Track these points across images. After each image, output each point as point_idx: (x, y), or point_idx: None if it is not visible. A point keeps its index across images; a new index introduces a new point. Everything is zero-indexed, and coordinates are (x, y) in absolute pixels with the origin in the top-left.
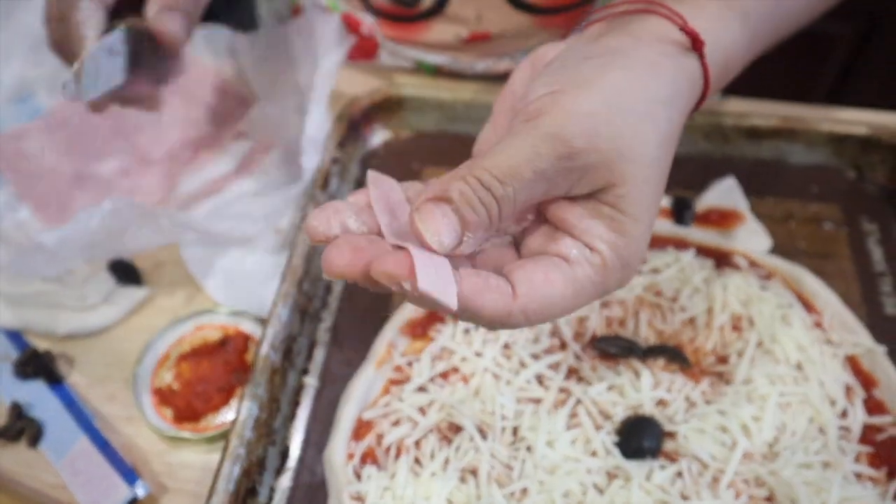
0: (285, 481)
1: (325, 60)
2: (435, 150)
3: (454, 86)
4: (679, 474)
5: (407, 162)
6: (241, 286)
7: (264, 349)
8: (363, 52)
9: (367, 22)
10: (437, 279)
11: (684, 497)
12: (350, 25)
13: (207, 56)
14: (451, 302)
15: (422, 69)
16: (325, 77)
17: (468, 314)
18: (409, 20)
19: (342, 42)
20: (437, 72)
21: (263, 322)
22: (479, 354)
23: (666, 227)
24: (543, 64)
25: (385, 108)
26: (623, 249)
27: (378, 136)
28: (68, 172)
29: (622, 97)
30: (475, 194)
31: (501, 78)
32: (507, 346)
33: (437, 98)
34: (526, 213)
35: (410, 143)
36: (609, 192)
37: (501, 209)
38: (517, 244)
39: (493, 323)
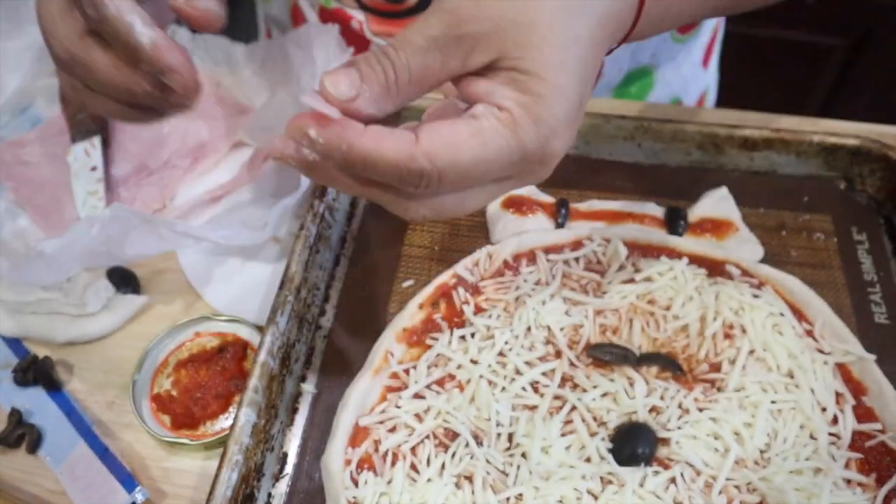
0: (283, 487)
1: (326, 69)
2: None
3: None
4: (672, 480)
5: None
6: (240, 294)
7: (262, 356)
8: (353, 49)
9: (358, 17)
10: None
11: (677, 503)
12: (340, 20)
13: (206, 65)
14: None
15: None
16: None
17: (370, 160)
18: (398, 16)
19: (341, 53)
20: None
21: (262, 329)
22: (474, 362)
23: (659, 236)
24: None
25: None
26: (533, 107)
27: None
28: (68, 181)
29: None
30: (373, 57)
31: None
32: (502, 354)
33: None
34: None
35: None
36: (507, 60)
37: (397, 72)
38: None
39: (398, 172)
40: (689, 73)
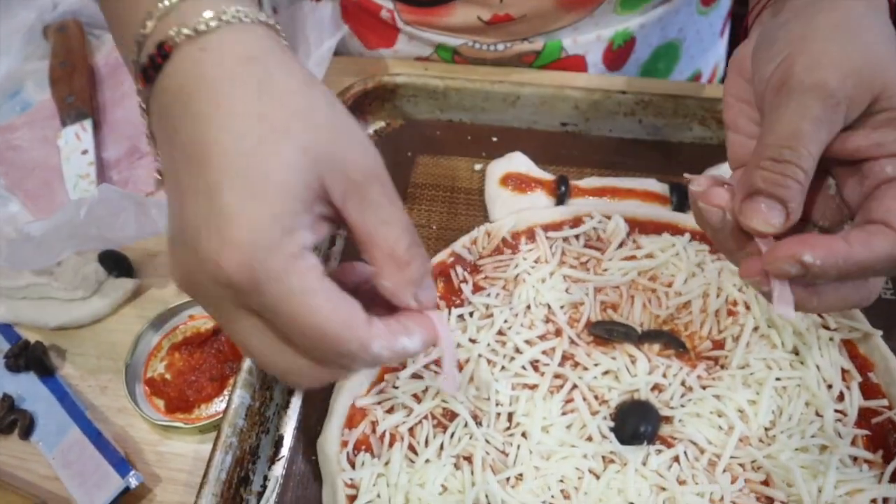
0: (279, 470)
1: (319, 48)
2: (427, 138)
3: (446, 73)
4: (675, 459)
5: (400, 150)
6: None
7: None
8: (382, 38)
9: (388, 6)
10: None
11: (681, 482)
12: (369, 10)
13: None
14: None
15: (439, 55)
16: (317, 65)
17: (864, 266)
18: (431, 4)
19: (336, 30)
20: (454, 57)
21: None
22: (473, 341)
23: (661, 212)
24: (745, 60)
25: (377, 96)
26: None
27: (370, 125)
28: (58, 165)
29: (837, 27)
30: (775, 171)
31: (512, 63)
32: (501, 333)
33: (429, 86)
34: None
35: (403, 131)
36: (878, 102)
37: (804, 169)
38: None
39: (890, 262)
40: (710, 44)
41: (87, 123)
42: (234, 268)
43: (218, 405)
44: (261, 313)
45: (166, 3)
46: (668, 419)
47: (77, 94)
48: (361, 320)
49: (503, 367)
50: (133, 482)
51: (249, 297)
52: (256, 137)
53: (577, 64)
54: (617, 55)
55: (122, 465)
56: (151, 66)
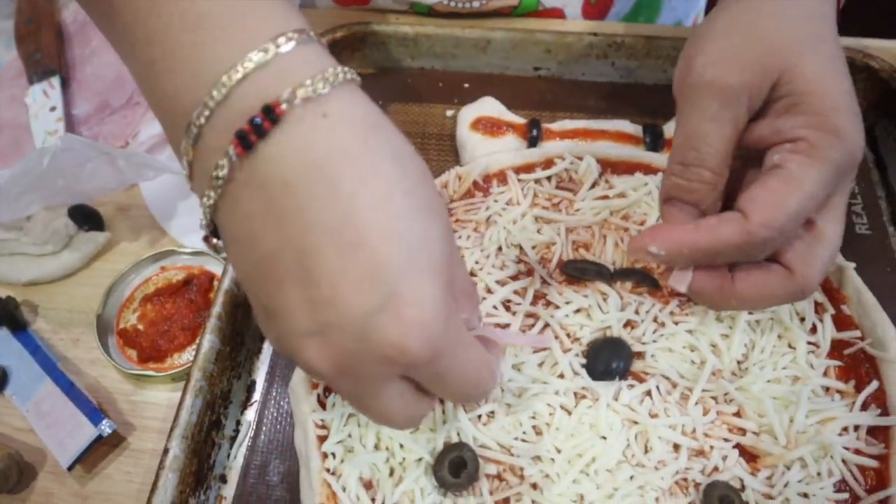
0: (251, 415)
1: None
2: (399, 86)
3: (415, 20)
4: (647, 393)
5: (372, 99)
6: None
7: (226, 283)
8: None
9: None
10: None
11: (652, 415)
12: None
13: None
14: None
15: (415, 11)
16: None
17: (712, 250)
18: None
19: None
20: (429, 12)
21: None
22: None
23: (634, 152)
24: None
25: (347, 45)
26: (824, 122)
27: None
28: (27, 123)
29: (734, 21)
30: (682, 177)
31: (491, 15)
32: (472, 274)
33: (399, 32)
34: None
35: (374, 80)
36: (777, 90)
37: (710, 168)
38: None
39: (742, 250)
40: None
41: (55, 80)
42: (419, 346)
43: (190, 354)
44: (417, 377)
45: (261, 55)
46: (641, 355)
47: (44, 51)
48: (493, 359)
49: None
50: (106, 430)
51: (422, 368)
52: (412, 216)
53: (555, 17)
54: (596, 8)
55: (95, 413)
56: (253, 131)
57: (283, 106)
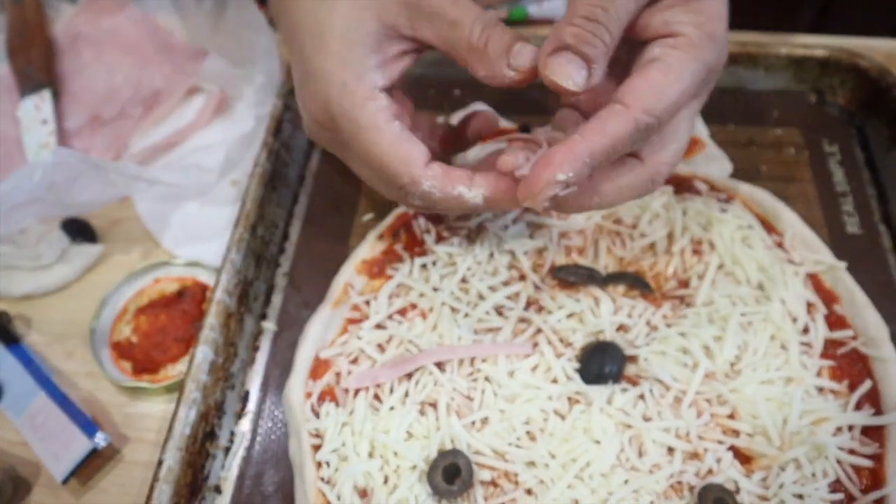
0: (245, 425)
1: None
2: None
3: None
4: (641, 397)
5: None
6: (198, 238)
7: (218, 294)
8: None
9: None
10: None
11: (646, 419)
12: None
13: (156, 13)
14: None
15: None
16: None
17: (611, 149)
18: None
19: None
20: None
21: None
22: (436, 289)
23: None
24: None
25: None
26: (706, 24)
27: None
28: (19, 136)
29: None
30: (585, 29)
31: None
32: (464, 280)
33: None
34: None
35: None
36: None
37: (611, 32)
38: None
39: (633, 140)
40: None
41: (46, 93)
42: (317, 112)
43: (184, 365)
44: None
45: None
46: (634, 358)
47: (35, 65)
48: (418, 160)
49: (467, 315)
50: (101, 442)
51: (335, 134)
52: (319, 6)
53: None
54: None
55: (90, 426)
56: None
57: None
